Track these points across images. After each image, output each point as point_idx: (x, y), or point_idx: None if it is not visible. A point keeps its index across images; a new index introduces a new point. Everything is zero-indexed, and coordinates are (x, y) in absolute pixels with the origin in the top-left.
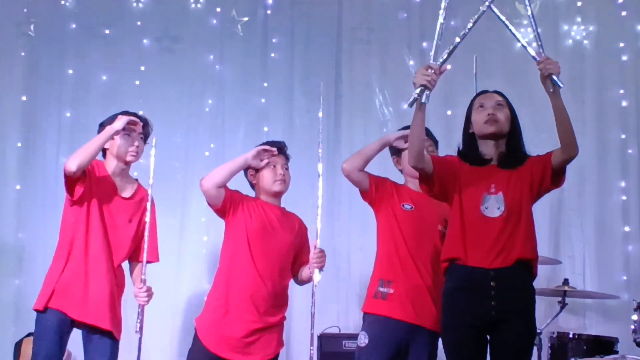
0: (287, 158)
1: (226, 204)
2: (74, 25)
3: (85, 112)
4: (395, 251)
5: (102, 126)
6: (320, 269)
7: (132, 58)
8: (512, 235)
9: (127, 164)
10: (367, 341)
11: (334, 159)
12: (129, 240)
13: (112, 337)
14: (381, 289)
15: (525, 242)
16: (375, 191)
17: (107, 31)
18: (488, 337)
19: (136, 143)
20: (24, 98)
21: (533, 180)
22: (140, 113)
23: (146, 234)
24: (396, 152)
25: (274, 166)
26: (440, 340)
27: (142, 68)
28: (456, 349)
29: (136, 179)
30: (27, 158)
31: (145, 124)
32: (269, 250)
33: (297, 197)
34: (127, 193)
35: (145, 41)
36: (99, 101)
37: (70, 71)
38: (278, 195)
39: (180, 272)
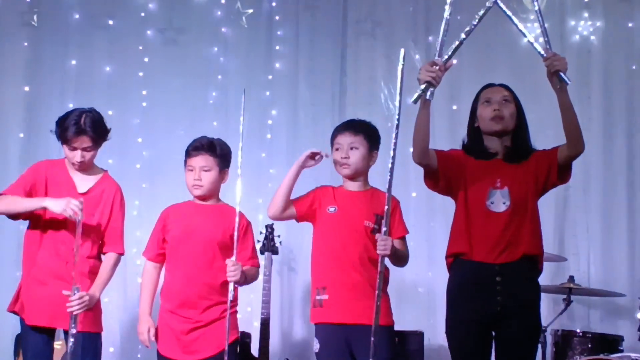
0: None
1: (305, 215)
2: (77, 16)
3: (89, 104)
4: (323, 257)
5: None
6: (235, 282)
7: (136, 49)
8: (517, 230)
9: None
10: (318, 346)
11: None
12: (96, 232)
13: (87, 335)
14: (317, 297)
15: (531, 237)
16: (304, 213)
17: (110, 22)
18: (493, 332)
19: (77, 158)
20: (26, 89)
21: (538, 175)
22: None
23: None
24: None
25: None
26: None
27: (146, 59)
28: (461, 344)
29: (104, 170)
30: (30, 149)
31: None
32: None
33: (301, 191)
34: (84, 188)
35: (149, 32)
36: (102, 92)
37: (74, 62)
38: (199, 198)
39: None
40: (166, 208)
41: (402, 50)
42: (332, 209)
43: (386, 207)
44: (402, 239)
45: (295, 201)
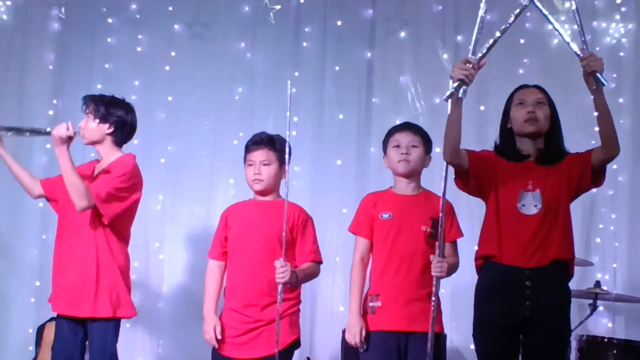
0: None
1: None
2: (104, 9)
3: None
4: (380, 264)
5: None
6: (286, 283)
7: (163, 43)
8: (549, 234)
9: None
10: (365, 347)
11: (365, 151)
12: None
13: (103, 321)
14: (370, 304)
15: (562, 242)
16: (372, 234)
17: (137, 16)
18: (521, 337)
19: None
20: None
21: (572, 178)
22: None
23: None
24: (384, 151)
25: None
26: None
27: (173, 54)
28: (488, 348)
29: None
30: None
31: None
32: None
33: (325, 189)
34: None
35: (176, 27)
36: (127, 86)
37: (100, 56)
38: (260, 194)
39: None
40: (228, 207)
41: None
42: (386, 215)
43: (441, 214)
44: (454, 243)
45: (360, 223)
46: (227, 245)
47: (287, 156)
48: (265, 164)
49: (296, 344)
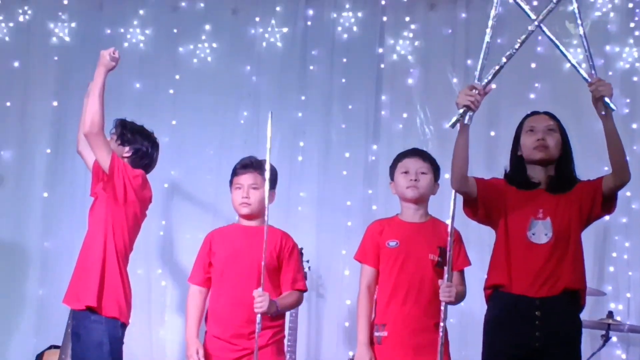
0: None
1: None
2: (108, 31)
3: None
4: (386, 293)
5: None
6: (264, 313)
7: (168, 66)
8: (559, 263)
9: None
10: None
11: (371, 176)
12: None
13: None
14: (376, 334)
15: (573, 271)
16: (378, 262)
17: (142, 38)
18: None
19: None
20: (55, 104)
21: (582, 206)
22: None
23: None
24: (392, 177)
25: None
26: None
27: (177, 77)
28: None
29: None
30: (56, 166)
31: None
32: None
33: (333, 217)
34: None
35: (181, 49)
36: (131, 109)
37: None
38: (246, 218)
39: None
40: (211, 231)
41: None
42: (393, 243)
43: (449, 238)
44: (462, 272)
45: (367, 254)
46: (211, 271)
47: (267, 180)
48: (253, 188)
49: None
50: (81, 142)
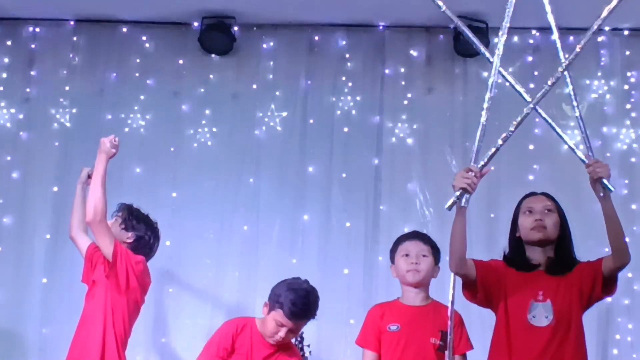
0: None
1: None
2: (109, 116)
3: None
4: None
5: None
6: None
7: (167, 150)
8: (561, 346)
9: None
10: None
11: (372, 261)
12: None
13: None
14: None
15: (575, 354)
16: (380, 347)
17: (142, 123)
18: None
19: None
20: (55, 189)
21: (583, 288)
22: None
23: None
24: (392, 260)
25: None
26: None
27: (177, 161)
28: None
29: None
30: (56, 250)
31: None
32: None
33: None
34: None
35: (182, 133)
36: (131, 194)
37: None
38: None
39: None
40: (236, 323)
41: None
42: (394, 327)
43: (449, 322)
44: (464, 356)
45: (368, 339)
46: None
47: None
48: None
49: None
50: (74, 227)
